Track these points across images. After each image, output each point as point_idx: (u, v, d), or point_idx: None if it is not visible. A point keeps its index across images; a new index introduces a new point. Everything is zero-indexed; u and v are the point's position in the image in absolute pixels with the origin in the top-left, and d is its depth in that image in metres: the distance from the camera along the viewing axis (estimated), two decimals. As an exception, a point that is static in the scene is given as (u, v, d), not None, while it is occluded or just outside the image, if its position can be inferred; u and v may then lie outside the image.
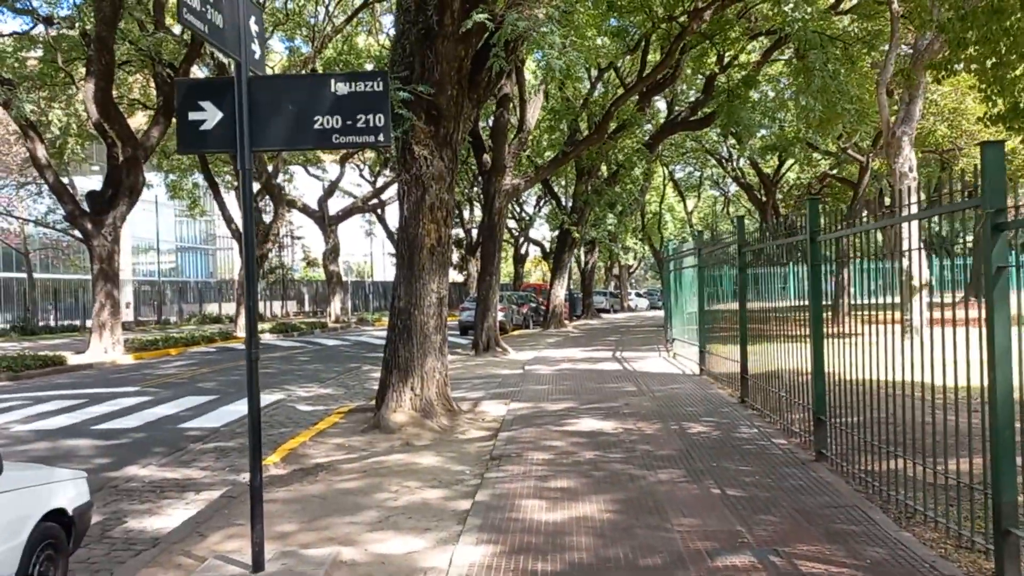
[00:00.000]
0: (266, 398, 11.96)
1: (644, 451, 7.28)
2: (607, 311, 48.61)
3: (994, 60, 7.70)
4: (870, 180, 22.63)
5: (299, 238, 55.09)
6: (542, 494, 5.98)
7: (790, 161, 31.53)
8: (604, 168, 28.44)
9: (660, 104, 31.29)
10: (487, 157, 20.06)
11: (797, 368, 7.38)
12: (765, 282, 8.84)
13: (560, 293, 30.07)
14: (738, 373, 9.85)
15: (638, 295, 62.75)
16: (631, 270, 67.46)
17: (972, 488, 4.52)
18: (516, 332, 28.28)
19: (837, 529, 4.99)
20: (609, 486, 6.14)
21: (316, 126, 4.96)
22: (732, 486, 6.01)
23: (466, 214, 41.53)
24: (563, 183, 37.45)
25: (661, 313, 27.65)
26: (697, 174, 48.40)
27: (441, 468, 7.10)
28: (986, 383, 4.01)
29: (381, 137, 5.00)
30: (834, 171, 29.02)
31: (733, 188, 48.51)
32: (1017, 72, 7.92)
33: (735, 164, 37.15)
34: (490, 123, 21.91)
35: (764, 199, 32.94)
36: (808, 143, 25.71)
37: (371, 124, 4.95)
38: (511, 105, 20.60)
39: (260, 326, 29.39)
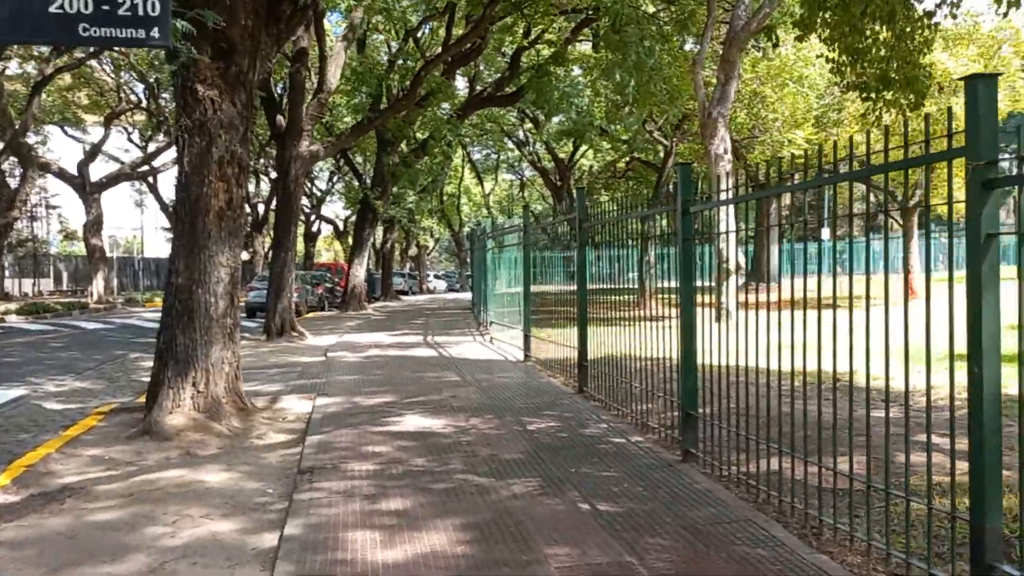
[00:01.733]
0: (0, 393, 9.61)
1: (487, 455, 6.13)
2: (406, 293, 47.30)
3: (848, 27, 7.27)
4: (674, 163, 22.95)
5: (55, 207, 48.89)
6: (373, 521, 4.65)
7: (584, 147, 31.78)
8: (404, 145, 27.09)
9: (460, 82, 30.36)
10: (281, 119, 18.05)
11: (654, 355, 6.55)
12: (611, 260, 7.98)
13: (360, 272, 28.35)
14: (575, 360, 8.97)
15: (436, 277, 61.94)
16: (428, 252, 66.52)
17: (907, 500, 3.75)
18: (312, 315, 26.28)
19: (741, 553, 4.10)
20: (456, 505, 4.93)
21: (55, 7, 3.31)
22: (601, 498, 4.99)
23: (251, 186, 38.47)
24: (360, 160, 35.63)
25: (462, 296, 26.83)
26: (495, 156, 48.28)
27: (234, 487, 5.57)
28: (946, 378, 3.21)
29: (156, 33, 3.44)
30: (626, 159, 29.46)
31: (528, 172, 48.84)
32: (881, 37, 7.51)
33: (531, 148, 37.11)
34: (285, 82, 19.88)
35: (559, 183, 33.05)
36: (602, 129, 25.80)
37: (141, 11, 3.35)
38: (308, 62, 18.69)
39: (3, 306, 25.46)
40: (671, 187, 6.32)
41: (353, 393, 9.21)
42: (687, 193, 5.88)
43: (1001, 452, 3.10)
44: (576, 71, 25.47)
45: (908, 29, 7.46)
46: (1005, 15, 7.01)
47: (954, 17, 7.73)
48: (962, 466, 4.47)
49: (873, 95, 7.46)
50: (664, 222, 6.86)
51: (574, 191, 37.38)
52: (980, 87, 3.05)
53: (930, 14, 7.36)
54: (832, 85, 19.67)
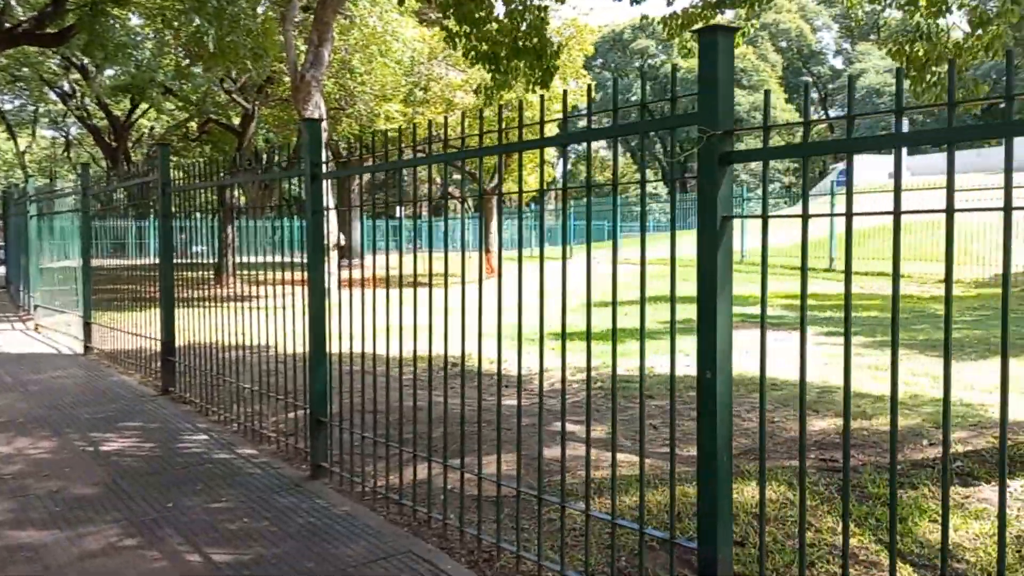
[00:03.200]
0: None
1: (46, 493, 4.52)
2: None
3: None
4: (256, 128, 21.29)
5: None
6: None
7: (145, 106, 28.35)
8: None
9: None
10: None
11: (267, 344, 5.48)
12: (206, 232, 6.63)
13: None
14: (157, 353, 7.39)
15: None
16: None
17: (586, 515, 3.30)
18: None
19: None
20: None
21: None
22: (215, 543, 3.84)
23: None
24: None
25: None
26: (32, 108, 41.18)
27: None
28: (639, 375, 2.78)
29: None
30: (200, 121, 26.91)
31: (76, 129, 42.61)
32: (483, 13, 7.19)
33: (80, 102, 32.14)
34: None
35: (115, 144, 29.11)
36: (167, 88, 23.17)
37: None
38: None
39: None
40: (267, 152, 5.26)
41: None
42: (316, 156, 4.89)
43: (731, 470, 2.73)
44: (135, 19, 22.31)
45: (521, 7, 7.31)
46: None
47: (561, 2, 7.76)
48: (627, 462, 4.31)
49: (502, 66, 7.17)
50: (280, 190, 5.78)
51: (143, 153, 33.32)
52: (719, 40, 2.59)
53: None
54: (419, 64, 19.81)
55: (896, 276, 2.39)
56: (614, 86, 3.29)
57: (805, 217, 2.55)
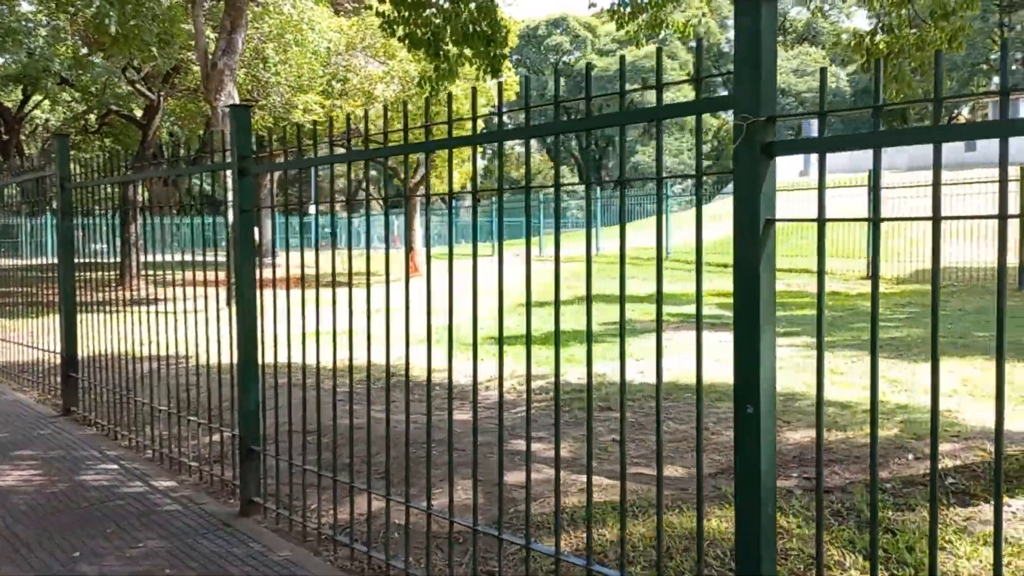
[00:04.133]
0: None
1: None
2: None
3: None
4: (161, 121, 20.06)
5: None
6: None
7: (39, 97, 26.49)
8: None
9: None
10: None
11: (186, 355, 4.85)
12: (109, 231, 5.91)
13: None
14: (56, 367, 6.59)
15: None
16: None
17: (557, 559, 2.86)
18: None
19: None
20: None
21: None
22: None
23: None
24: None
25: None
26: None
27: None
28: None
29: None
30: (100, 113, 25.28)
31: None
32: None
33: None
34: None
35: (6, 138, 27.14)
36: (63, 78, 21.65)
37: None
38: None
39: None
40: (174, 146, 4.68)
41: None
42: (245, 148, 4.29)
43: (775, 519, 2.32)
44: (26, 5, 20.72)
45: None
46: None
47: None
48: (600, 485, 3.87)
49: (447, 53, 6.60)
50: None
51: (37, 146, 31.16)
52: (763, 6, 2.17)
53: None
54: (336, 55, 19.01)
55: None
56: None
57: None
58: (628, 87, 2.43)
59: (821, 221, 2.19)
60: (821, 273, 2.22)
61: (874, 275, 2.27)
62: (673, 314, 11.13)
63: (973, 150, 29.11)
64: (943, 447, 4.61)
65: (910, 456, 4.56)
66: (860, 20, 57.01)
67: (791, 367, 7.37)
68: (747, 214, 2.21)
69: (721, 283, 15.28)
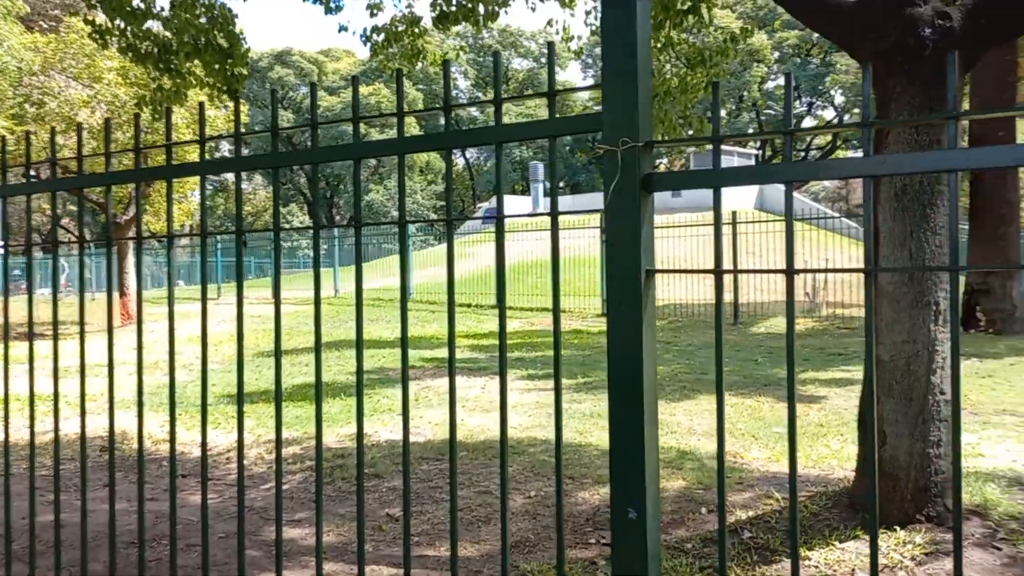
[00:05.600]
0: None
1: None
2: None
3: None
4: None
5: None
6: None
7: None
8: None
9: None
10: None
11: None
12: None
13: None
14: None
15: None
16: None
17: None
18: None
19: None
20: None
21: None
22: None
23: None
24: None
25: None
26: None
27: None
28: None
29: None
30: None
31: None
32: None
33: None
34: None
35: None
36: None
37: None
38: None
39: None
40: None
41: None
42: None
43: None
44: None
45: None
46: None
47: None
48: None
49: (177, 68, 5.53)
50: None
51: None
52: (637, 7, 1.72)
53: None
54: (32, 74, 16.58)
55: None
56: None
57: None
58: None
59: (719, 272, 1.77)
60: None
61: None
62: (427, 359, 10.65)
63: (679, 196, 32.02)
64: (733, 498, 4.50)
65: (704, 510, 4.38)
66: (573, 72, 61.19)
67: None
68: (625, 263, 1.74)
69: (469, 323, 15.11)
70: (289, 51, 59.05)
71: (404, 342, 2.15)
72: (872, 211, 1.86)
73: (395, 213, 46.58)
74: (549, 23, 7.63)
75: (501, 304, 2.00)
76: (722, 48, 5.56)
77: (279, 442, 2.29)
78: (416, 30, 6.50)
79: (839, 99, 49.15)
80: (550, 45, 1.92)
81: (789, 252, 1.74)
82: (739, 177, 1.79)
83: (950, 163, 1.57)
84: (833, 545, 3.78)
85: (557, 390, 1.93)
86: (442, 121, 2.05)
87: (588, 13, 7.38)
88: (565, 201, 36.88)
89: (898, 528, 3.85)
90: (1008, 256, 11.83)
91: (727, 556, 3.71)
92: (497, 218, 2.03)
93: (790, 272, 1.72)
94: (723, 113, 45.52)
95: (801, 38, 47.88)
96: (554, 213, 1.91)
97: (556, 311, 1.92)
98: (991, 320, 12.01)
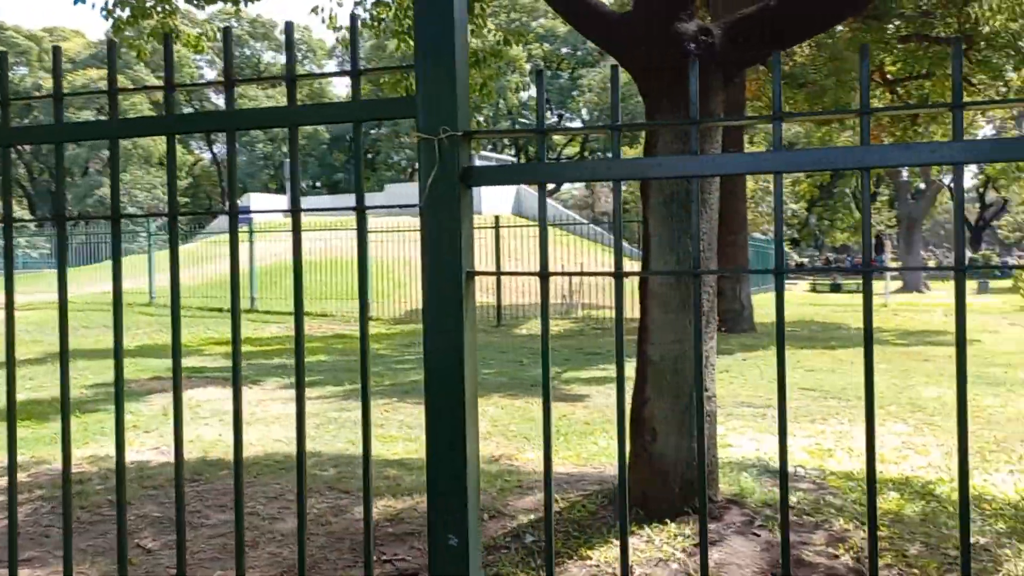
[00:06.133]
0: None
1: None
2: None
3: None
4: None
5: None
6: None
7: None
8: None
9: None
10: None
11: None
12: None
13: None
14: None
15: None
16: None
17: None
18: None
19: None
20: None
21: None
22: None
23: None
24: None
25: None
26: None
27: None
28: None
29: None
30: None
31: None
32: None
33: None
34: None
35: None
36: None
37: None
38: None
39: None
40: None
41: None
42: None
43: None
44: None
45: None
46: None
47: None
48: None
49: None
50: None
51: None
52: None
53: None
54: None
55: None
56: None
57: (548, 275, 1.68)
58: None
59: (544, 275, 1.65)
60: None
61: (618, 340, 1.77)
62: (191, 368, 9.78)
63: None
64: (514, 502, 4.47)
65: (485, 516, 4.31)
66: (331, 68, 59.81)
67: (327, 422, 6.84)
68: (443, 264, 1.57)
69: (220, 328, 14.15)
70: (1, 25, 52.41)
71: (176, 350, 1.84)
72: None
73: (131, 209, 42.71)
74: (314, 11, 7.27)
75: (298, 307, 1.76)
76: (495, 50, 5.60)
77: (12, 470, 1.89)
78: (167, 7, 5.88)
79: (586, 115, 52.28)
80: (353, 20, 1.71)
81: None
82: (563, 173, 1.69)
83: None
84: (611, 543, 3.85)
85: (365, 403, 1.73)
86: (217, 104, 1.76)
87: (358, 3, 7.10)
88: (324, 200, 35.97)
89: (669, 521, 4.01)
90: (739, 260, 13.11)
91: (509, 563, 3.67)
92: (292, 210, 1.78)
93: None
94: (480, 119, 46.68)
95: (550, 52, 50.35)
96: (360, 208, 1.70)
97: (363, 317, 1.72)
98: (722, 319, 13.24)
